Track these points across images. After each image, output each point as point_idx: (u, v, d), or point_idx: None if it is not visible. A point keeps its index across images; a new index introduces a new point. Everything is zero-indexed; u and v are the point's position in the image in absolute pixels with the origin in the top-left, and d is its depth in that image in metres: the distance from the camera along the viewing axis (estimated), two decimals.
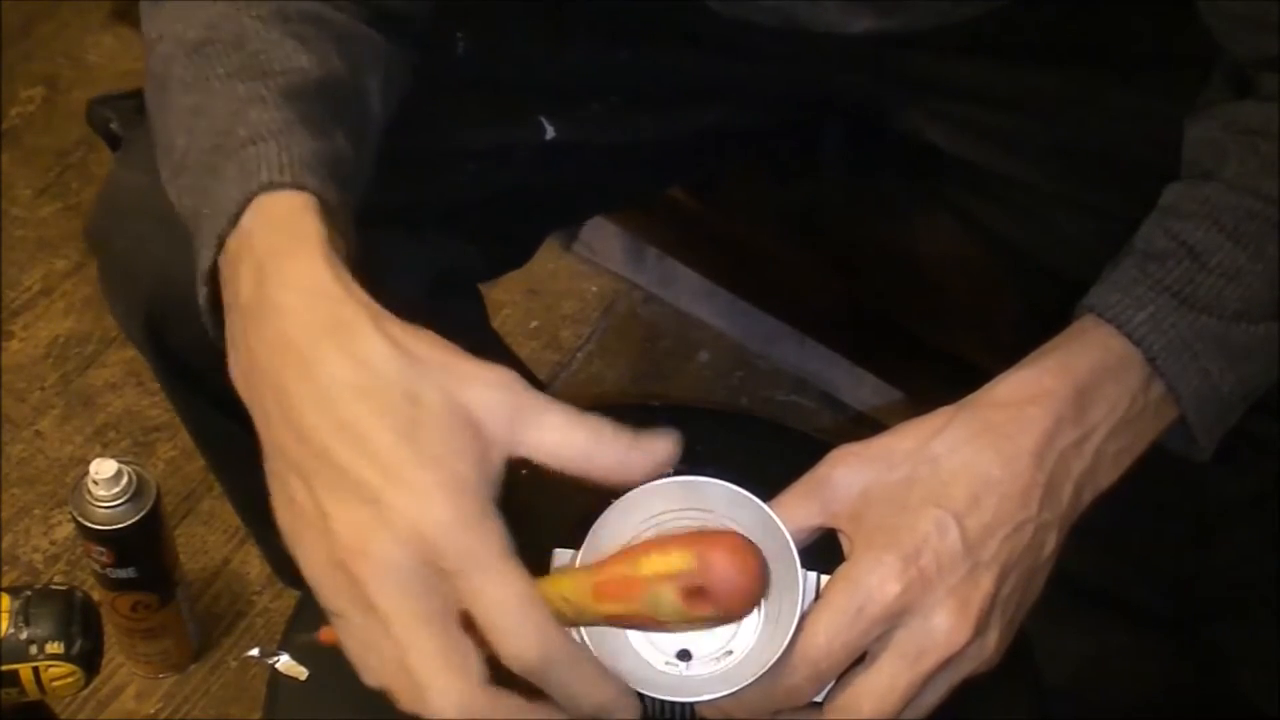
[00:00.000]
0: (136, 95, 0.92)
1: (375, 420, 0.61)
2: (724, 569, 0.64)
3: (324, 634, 0.67)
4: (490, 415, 0.62)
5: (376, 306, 0.64)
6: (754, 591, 0.65)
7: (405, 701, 0.61)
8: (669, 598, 0.64)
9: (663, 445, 0.64)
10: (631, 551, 0.65)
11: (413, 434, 0.61)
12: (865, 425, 1.53)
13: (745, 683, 0.67)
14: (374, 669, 0.62)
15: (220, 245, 0.68)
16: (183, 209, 0.73)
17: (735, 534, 0.66)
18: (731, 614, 0.66)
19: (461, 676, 0.59)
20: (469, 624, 0.61)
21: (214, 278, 0.69)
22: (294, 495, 0.63)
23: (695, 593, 0.64)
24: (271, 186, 0.67)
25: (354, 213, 0.72)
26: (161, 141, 0.76)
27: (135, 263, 0.90)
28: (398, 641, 0.60)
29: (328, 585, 0.62)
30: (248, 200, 0.67)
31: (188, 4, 0.76)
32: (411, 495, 0.60)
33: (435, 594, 0.60)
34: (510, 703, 0.60)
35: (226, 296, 0.68)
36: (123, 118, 0.94)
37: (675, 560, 0.63)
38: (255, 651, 0.90)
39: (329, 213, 0.68)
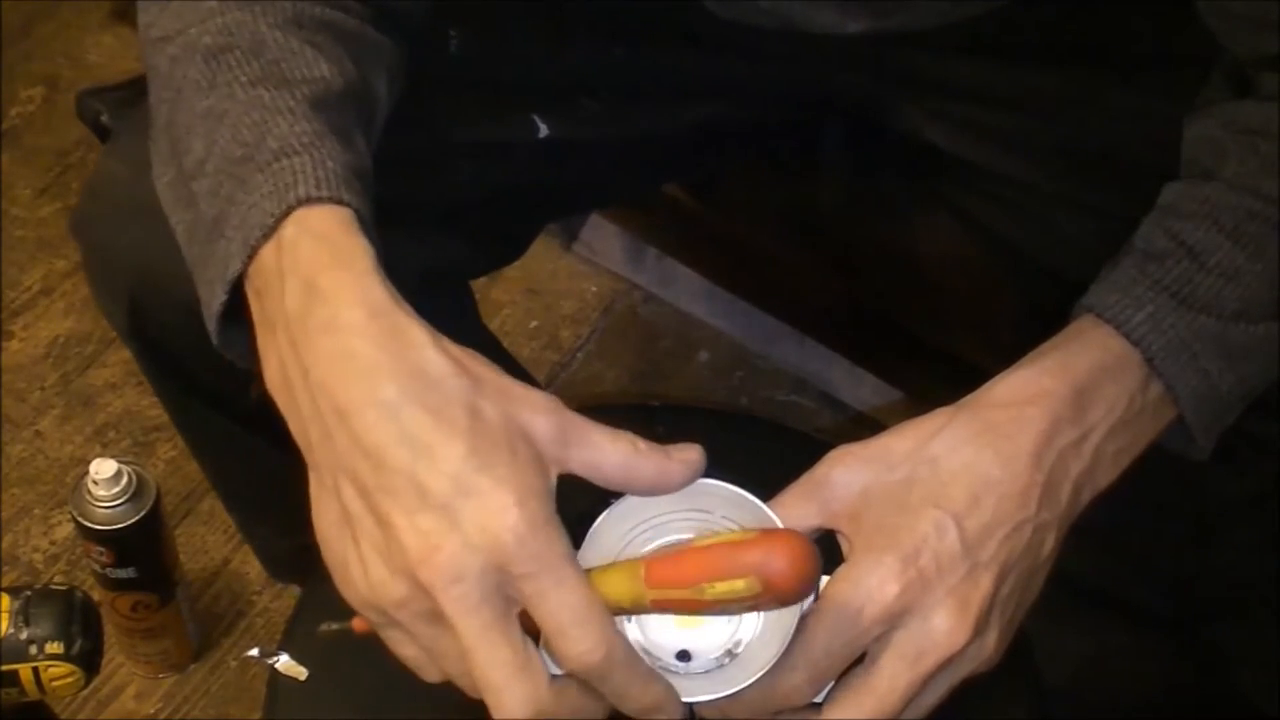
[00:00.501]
0: (126, 87, 0.92)
1: (442, 432, 0.62)
2: (787, 581, 0.64)
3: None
4: (542, 434, 0.64)
5: (429, 325, 0.66)
6: (815, 580, 0.66)
7: (473, 693, 0.63)
8: (734, 609, 0.67)
9: (694, 454, 0.67)
10: (687, 569, 0.65)
11: (478, 445, 0.62)
12: (865, 425, 1.53)
13: (745, 683, 0.67)
14: (435, 672, 0.65)
15: (252, 256, 0.68)
16: (188, 211, 0.73)
17: (786, 536, 0.66)
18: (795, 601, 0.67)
19: (531, 680, 0.62)
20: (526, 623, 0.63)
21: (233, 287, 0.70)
22: (348, 507, 0.64)
23: (759, 603, 0.66)
24: (309, 201, 0.68)
25: None
26: (163, 139, 0.76)
27: (119, 253, 0.90)
28: (467, 648, 0.62)
29: (388, 596, 0.63)
30: (286, 213, 0.68)
31: (196, 6, 0.76)
32: (482, 501, 0.62)
33: (500, 598, 0.62)
34: (573, 698, 0.63)
35: (261, 308, 0.69)
36: (112, 110, 0.94)
37: (740, 587, 0.64)
38: (255, 652, 0.90)
39: (365, 225, 0.69)
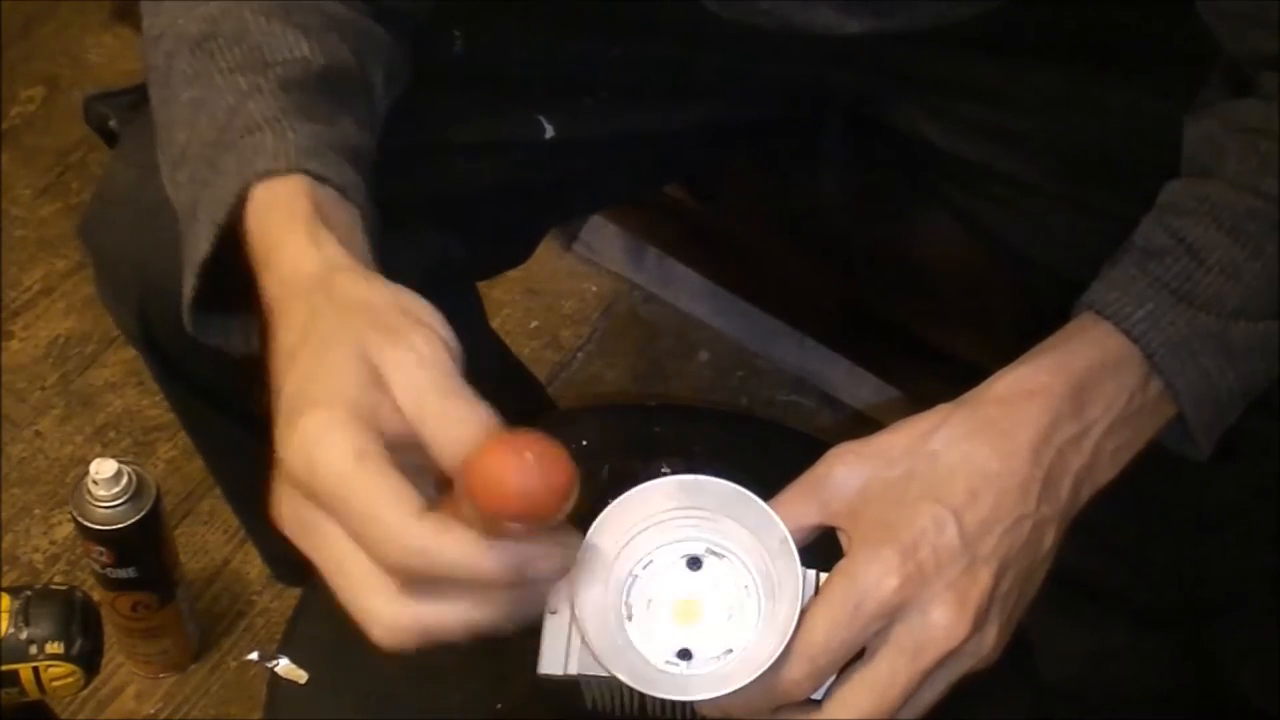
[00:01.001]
0: (133, 92, 0.92)
1: (298, 350, 0.63)
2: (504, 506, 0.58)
3: None
4: (381, 365, 0.62)
5: (342, 261, 0.66)
6: (540, 491, 0.58)
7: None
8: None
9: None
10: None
11: (315, 370, 0.62)
12: (865, 425, 1.52)
13: (745, 681, 0.67)
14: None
15: (218, 236, 0.69)
16: (180, 203, 0.74)
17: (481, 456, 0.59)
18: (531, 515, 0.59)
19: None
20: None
21: (207, 270, 0.70)
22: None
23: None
24: (269, 174, 0.68)
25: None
26: (162, 136, 0.76)
27: (126, 256, 0.90)
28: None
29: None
30: (245, 189, 0.68)
31: (189, 1, 0.76)
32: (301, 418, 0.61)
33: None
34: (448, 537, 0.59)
35: (260, 289, 0.69)
36: (120, 114, 0.94)
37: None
38: (255, 655, 0.90)
39: (342, 191, 0.69)
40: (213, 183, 0.70)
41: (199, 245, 0.69)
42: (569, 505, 0.58)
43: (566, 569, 0.61)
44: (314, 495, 0.60)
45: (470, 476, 0.58)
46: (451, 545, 0.58)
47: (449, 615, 0.60)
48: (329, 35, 0.76)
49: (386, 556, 0.59)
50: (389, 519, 0.58)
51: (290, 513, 0.62)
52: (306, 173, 0.69)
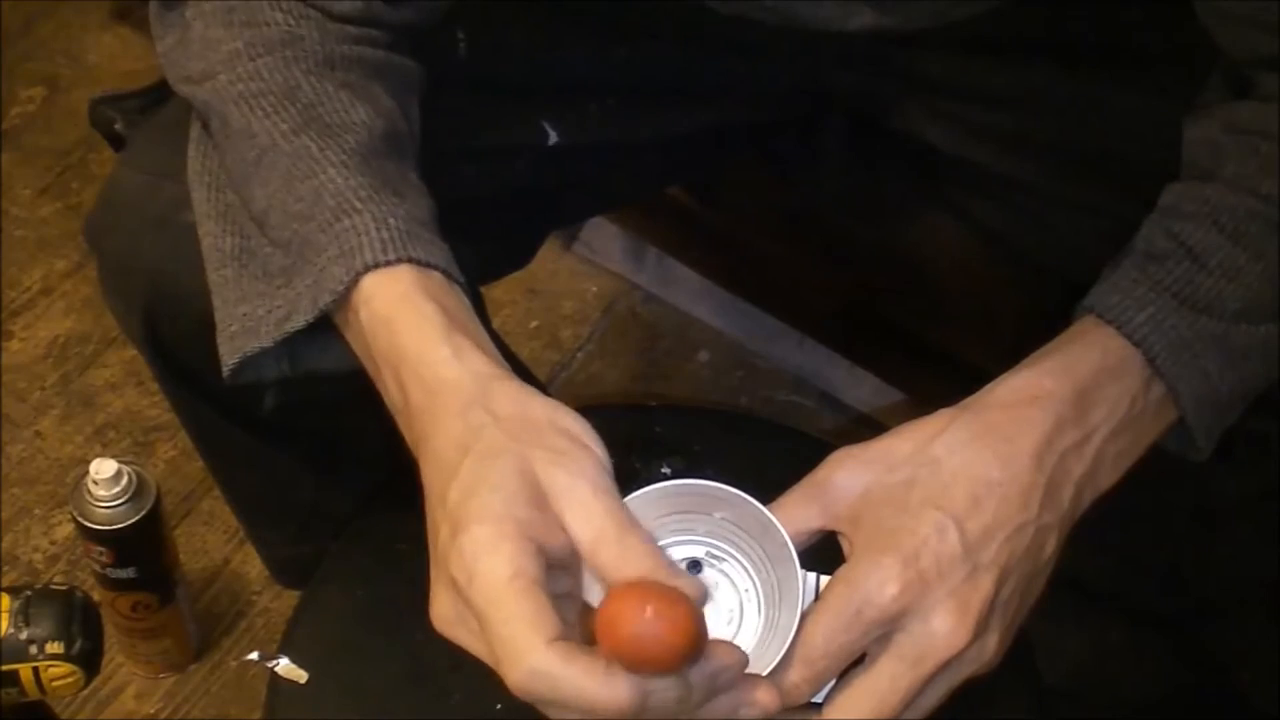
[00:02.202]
0: (140, 95, 0.92)
1: (458, 462, 0.65)
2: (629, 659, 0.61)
3: None
4: (550, 486, 0.65)
5: (488, 369, 0.68)
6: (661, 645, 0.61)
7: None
8: None
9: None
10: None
11: (479, 484, 0.64)
12: (865, 426, 1.53)
13: None
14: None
15: (320, 314, 0.71)
16: (242, 243, 0.75)
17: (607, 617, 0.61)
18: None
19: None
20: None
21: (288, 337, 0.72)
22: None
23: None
24: (376, 266, 0.70)
25: None
26: (212, 183, 0.78)
27: (133, 261, 0.90)
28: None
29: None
30: (354, 280, 0.70)
31: (219, 48, 0.77)
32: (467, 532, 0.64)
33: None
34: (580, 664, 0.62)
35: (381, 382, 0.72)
36: (126, 118, 0.94)
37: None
38: (255, 655, 0.90)
39: (447, 273, 0.72)
40: (312, 260, 0.72)
41: (293, 317, 0.71)
42: (690, 660, 0.61)
43: (687, 699, 0.63)
44: (468, 603, 0.63)
45: (597, 619, 0.60)
46: (575, 675, 0.61)
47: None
48: (373, 88, 0.77)
49: (511, 676, 0.62)
50: (520, 642, 0.61)
51: (445, 611, 0.65)
52: (412, 260, 0.71)
